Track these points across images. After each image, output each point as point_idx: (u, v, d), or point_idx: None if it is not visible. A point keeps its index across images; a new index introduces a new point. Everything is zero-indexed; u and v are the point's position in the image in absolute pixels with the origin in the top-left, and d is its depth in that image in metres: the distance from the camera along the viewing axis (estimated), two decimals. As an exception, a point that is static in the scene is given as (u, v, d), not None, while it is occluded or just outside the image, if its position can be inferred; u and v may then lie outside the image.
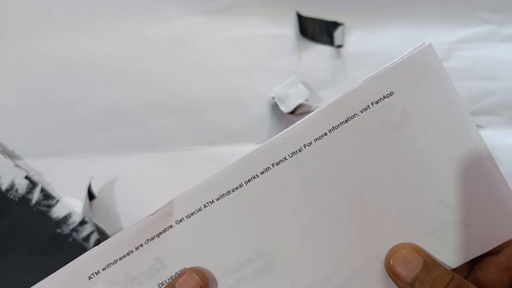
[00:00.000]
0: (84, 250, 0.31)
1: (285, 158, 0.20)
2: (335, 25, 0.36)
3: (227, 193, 0.20)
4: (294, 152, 0.20)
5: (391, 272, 0.19)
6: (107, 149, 0.35)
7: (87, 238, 0.32)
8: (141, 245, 0.20)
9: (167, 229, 0.20)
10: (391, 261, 0.19)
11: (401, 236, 0.20)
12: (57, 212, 0.32)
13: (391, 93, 0.20)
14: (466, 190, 0.20)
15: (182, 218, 0.20)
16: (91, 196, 0.33)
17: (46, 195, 0.33)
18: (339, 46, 0.36)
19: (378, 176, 0.20)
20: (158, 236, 0.20)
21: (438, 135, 0.20)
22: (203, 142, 0.35)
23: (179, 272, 0.20)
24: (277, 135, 0.20)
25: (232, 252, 0.20)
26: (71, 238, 0.32)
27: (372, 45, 0.37)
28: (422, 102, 0.20)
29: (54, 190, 0.34)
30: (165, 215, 0.20)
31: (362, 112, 0.20)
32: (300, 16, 0.36)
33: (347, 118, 0.20)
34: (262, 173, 0.20)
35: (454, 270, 0.20)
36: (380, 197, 0.20)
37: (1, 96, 0.35)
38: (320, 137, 0.20)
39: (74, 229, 0.32)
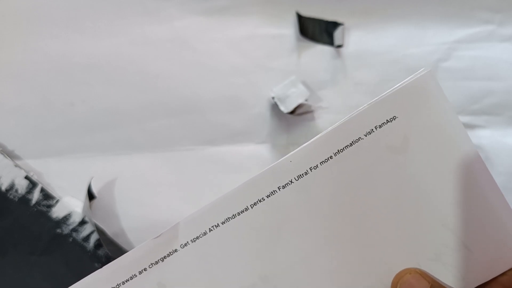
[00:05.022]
0: (84, 250, 0.31)
1: (291, 181, 0.20)
2: (335, 25, 0.36)
3: (233, 217, 0.20)
4: (300, 175, 0.20)
5: None
6: (107, 149, 0.35)
7: (87, 238, 0.32)
8: (145, 269, 0.20)
9: (171, 253, 0.20)
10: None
11: (406, 261, 0.20)
12: (57, 212, 0.32)
13: (394, 117, 0.20)
14: (467, 213, 0.20)
15: (187, 242, 0.20)
16: (91, 196, 0.33)
17: (46, 195, 0.33)
18: (339, 46, 0.36)
19: (381, 199, 0.20)
20: (162, 260, 0.20)
21: (437, 159, 0.20)
22: (203, 142, 0.35)
23: None
24: (283, 158, 0.20)
25: (236, 277, 0.20)
26: (71, 238, 0.32)
27: (372, 45, 0.37)
28: (423, 127, 0.20)
29: (54, 190, 0.34)
30: (170, 238, 0.20)
31: (366, 136, 0.20)
32: (300, 16, 0.36)
33: (352, 142, 0.20)
34: (268, 196, 0.20)
35: None
36: (384, 221, 0.20)
37: (1, 96, 0.35)
38: (326, 160, 0.20)
39: (74, 229, 0.32)
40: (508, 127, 0.36)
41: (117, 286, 0.20)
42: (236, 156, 0.35)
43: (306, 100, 0.35)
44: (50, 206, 0.32)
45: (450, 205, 0.20)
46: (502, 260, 0.20)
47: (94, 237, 0.32)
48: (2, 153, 0.33)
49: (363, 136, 0.20)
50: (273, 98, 0.35)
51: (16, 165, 0.33)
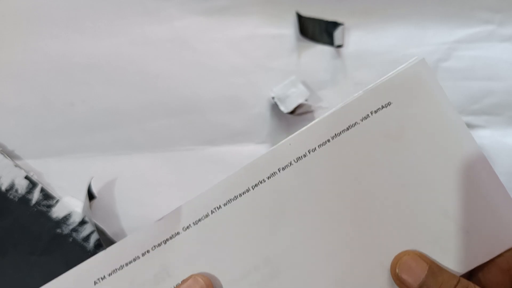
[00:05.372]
0: (84, 250, 0.31)
1: (290, 163, 0.20)
2: (335, 25, 0.36)
3: (234, 198, 0.20)
4: (299, 157, 0.20)
5: (397, 279, 0.19)
6: (107, 149, 0.35)
7: (87, 238, 0.32)
8: (148, 252, 0.20)
9: (174, 236, 0.20)
10: (396, 269, 0.19)
11: (405, 244, 0.20)
12: (57, 212, 0.32)
13: (389, 103, 0.21)
14: (465, 198, 0.20)
15: (189, 224, 0.20)
16: (91, 196, 0.33)
17: (46, 195, 0.33)
18: (339, 46, 0.36)
19: (379, 183, 0.20)
20: (165, 243, 0.20)
21: (434, 144, 0.20)
22: (203, 142, 0.35)
23: None
24: (282, 141, 0.21)
25: (238, 259, 0.20)
26: (71, 238, 0.32)
27: (372, 45, 0.37)
28: (417, 113, 0.20)
29: (54, 190, 0.34)
30: (172, 221, 0.20)
31: (362, 121, 0.21)
32: (300, 16, 0.36)
33: (349, 126, 0.21)
34: (268, 178, 0.20)
35: None
36: (382, 205, 0.20)
37: (1, 96, 0.35)
38: (324, 143, 0.21)
39: (74, 229, 0.32)
40: (508, 127, 0.36)
41: (121, 268, 0.20)
42: (236, 156, 0.35)
43: (306, 100, 0.35)
44: (50, 206, 0.32)
45: (447, 190, 0.20)
46: (499, 242, 0.20)
47: (94, 237, 0.32)
48: (2, 153, 0.33)
49: (359, 121, 0.21)
50: (273, 98, 0.35)
51: (16, 165, 0.33)
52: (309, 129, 0.21)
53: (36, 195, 0.32)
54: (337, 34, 0.36)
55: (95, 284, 0.20)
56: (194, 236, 0.20)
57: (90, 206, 0.34)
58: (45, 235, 0.32)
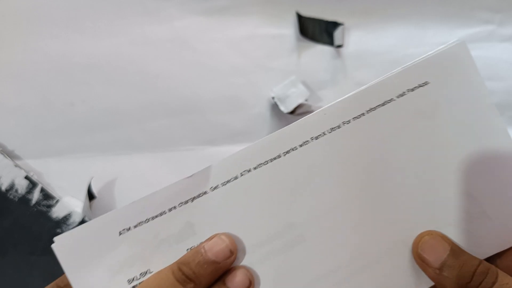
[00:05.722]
0: (84, 250, 0.31)
1: (323, 133, 0.21)
2: (335, 25, 0.36)
3: (265, 163, 0.20)
4: (332, 128, 0.21)
5: (419, 258, 0.19)
6: (107, 149, 0.35)
7: (87, 238, 0.32)
8: (174, 207, 0.20)
9: (201, 194, 0.20)
10: (418, 248, 0.20)
11: (427, 224, 0.20)
12: (57, 212, 0.32)
13: (426, 82, 0.21)
14: (490, 183, 0.20)
15: (218, 185, 0.20)
16: (91, 196, 0.33)
17: (46, 195, 0.33)
18: (339, 46, 0.36)
19: (407, 161, 0.21)
20: (192, 201, 0.20)
21: (466, 127, 0.21)
22: (203, 142, 0.35)
23: None
24: (317, 110, 0.21)
25: (263, 223, 0.20)
26: (71, 238, 0.32)
27: (372, 45, 0.37)
28: (452, 95, 0.21)
29: (54, 190, 0.34)
30: (201, 180, 0.20)
31: (398, 98, 0.21)
32: (300, 16, 0.36)
33: (384, 102, 0.21)
34: (300, 145, 0.20)
35: None
36: (409, 183, 0.21)
37: (1, 96, 0.35)
38: (358, 117, 0.21)
39: (74, 229, 0.32)
40: (508, 127, 0.36)
41: (146, 221, 0.20)
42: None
43: (306, 100, 0.35)
44: (50, 206, 0.32)
45: (473, 174, 0.20)
46: None
47: (94, 237, 0.32)
48: (2, 153, 0.33)
49: (395, 98, 0.21)
50: (273, 98, 0.35)
51: (16, 165, 0.33)
52: (345, 101, 0.21)
53: (36, 195, 0.32)
54: (337, 34, 0.36)
55: (120, 234, 0.20)
56: (221, 197, 0.20)
57: (90, 206, 0.34)
58: (45, 235, 0.32)
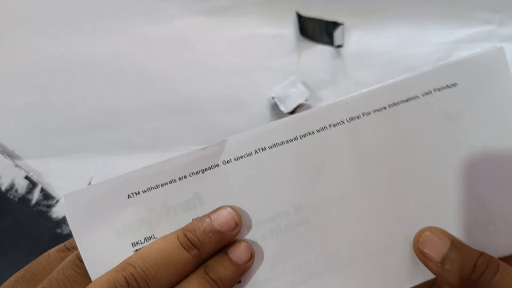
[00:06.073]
0: (84, 250, 0.31)
1: (342, 122, 0.21)
2: (335, 25, 0.36)
3: (281, 144, 0.20)
4: (352, 117, 0.21)
5: (420, 253, 0.20)
6: (107, 149, 0.35)
7: (87, 238, 0.32)
8: (185, 177, 0.20)
9: (212, 167, 0.20)
10: (419, 243, 0.20)
11: (433, 224, 0.20)
12: (57, 212, 0.32)
13: (454, 84, 0.21)
14: (503, 192, 0.20)
15: (230, 159, 0.20)
16: (91, 196, 0.33)
17: (46, 195, 0.33)
18: (339, 46, 0.36)
19: (424, 161, 0.21)
20: (203, 172, 0.20)
21: (490, 136, 0.20)
22: (203, 142, 0.35)
23: None
24: (340, 99, 0.21)
25: (271, 202, 0.20)
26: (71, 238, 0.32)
27: (371, 45, 0.37)
28: (481, 100, 0.20)
29: (54, 190, 0.34)
30: (214, 153, 0.20)
31: (423, 96, 0.21)
32: (300, 16, 0.36)
33: (408, 98, 0.21)
34: (318, 131, 0.21)
35: None
36: (421, 184, 0.21)
37: (1, 96, 0.35)
38: (380, 110, 0.21)
39: (74, 229, 0.32)
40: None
41: (156, 187, 0.20)
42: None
43: (306, 100, 0.35)
44: (50, 206, 0.32)
45: (490, 184, 0.20)
46: None
47: (94, 237, 0.32)
48: (2, 153, 0.33)
49: (420, 96, 0.21)
50: (273, 98, 0.35)
51: (16, 165, 0.33)
52: (369, 93, 0.21)
53: (36, 195, 0.32)
54: (337, 34, 0.36)
55: (128, 198, 0.20)
56: (232, 171, 0.20)
57: (90, 206, 0.34)
58: (45, 235, 0.32)
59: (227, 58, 0.36)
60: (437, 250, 0.19)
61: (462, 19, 0.37)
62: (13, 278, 0.21)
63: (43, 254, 0.21)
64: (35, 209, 0.32)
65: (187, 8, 0.36)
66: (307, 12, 0.36)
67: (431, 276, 0.20)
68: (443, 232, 0.20)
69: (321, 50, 0.37)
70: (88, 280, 0.19)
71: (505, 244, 0.20)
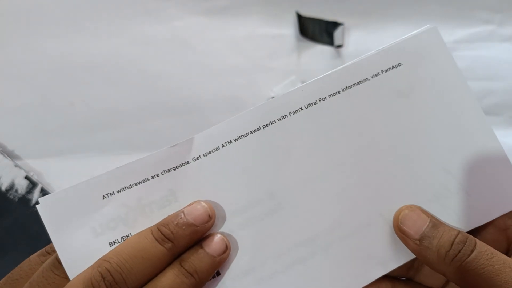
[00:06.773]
0: (84, 250, 0.31)
1: (301, 108, 0.22)
2: (335, 25, 0.36)
3: (245, 135, 0.21)
4: (309, 104, 0.22)
5: (399, 231, 0.20)
6: (107, 149, 0.35)
7: (87, 238, 0.32)
8: (157, 175, 0.21)
9: (183, 164, 0.21)
10: (398, 221, 0.20)
11: (406, 199, 0.21)
12: (57, 212, 0.32)
13: (399, 64, 0.22)
14: (467, 160, 0.21)
15: (199, 156, 0.21)
16: (91, 196, 0.33)
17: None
18: (339, 46, 0.36)
19: (383, 137, 0.22)
20: (174, 170, 0.21)
21: (441, 106, 0.22)
22: (203, 142, 0.35)
23: None
24: (295, 88, 0.22)
25: (243, 192, 0.21)
26: (71, 238, 0.32)
27: (371, 45, 0.37)
28: (426, 75, 0.22)
29: (54, 190, 0.34)
30: (183, 150, 0.22)
31: (373, 78, 0.22)
32: (300, 16, 0.36)
33: (359, 81, 0.22)
34: (279, 119, 0.22)
35: None
36: (386, 158, 0.21)
37: (1, 96, 0.35)
38: (334, 94, 0.22)
39: (74, 229, 0.32)
40: (508, 127, 0.36)
41: (130, 186, 0.21)
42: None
43: (306, 100, 0.35)
44: (50, 206, 0.32)
45: (450, 150, 0.21)
46: (498, 205, 0.21)
47: (94, 237, 0.32)
48: (2, 153, 0.33)
49: (370, 78, 0.22)
50: (273, 98, 0.35)
51: (16, 165, 0.33)
52: (322, 79, 0.22)
53: (36, 195, 0.32)
54: (337, 34, 0.36)
55: (103, 198, 0.20)
56: (202, 167, 0.21)
57: (90, 206, 0.34)
58: (45, 235, 0.32)
59: (227, 58, 0.36)
60: (415, 228, 0.20)
61: (462, 19, 0.37)
62: None
63: (25, 260, 0.21)
64: (35, 209, 0.32)
65: (187, 8, 0.36)
66: (307, 12, 0.36)
67: (409, 257, 0.20)
68: (422, 211, 0.20)
69: (321, 50, 0.37)
70: (67, 281, 0.19)
71: (481, 214, 0.21)
